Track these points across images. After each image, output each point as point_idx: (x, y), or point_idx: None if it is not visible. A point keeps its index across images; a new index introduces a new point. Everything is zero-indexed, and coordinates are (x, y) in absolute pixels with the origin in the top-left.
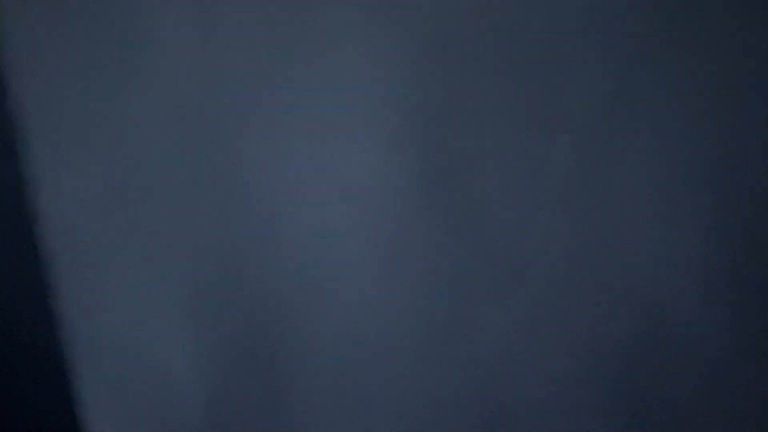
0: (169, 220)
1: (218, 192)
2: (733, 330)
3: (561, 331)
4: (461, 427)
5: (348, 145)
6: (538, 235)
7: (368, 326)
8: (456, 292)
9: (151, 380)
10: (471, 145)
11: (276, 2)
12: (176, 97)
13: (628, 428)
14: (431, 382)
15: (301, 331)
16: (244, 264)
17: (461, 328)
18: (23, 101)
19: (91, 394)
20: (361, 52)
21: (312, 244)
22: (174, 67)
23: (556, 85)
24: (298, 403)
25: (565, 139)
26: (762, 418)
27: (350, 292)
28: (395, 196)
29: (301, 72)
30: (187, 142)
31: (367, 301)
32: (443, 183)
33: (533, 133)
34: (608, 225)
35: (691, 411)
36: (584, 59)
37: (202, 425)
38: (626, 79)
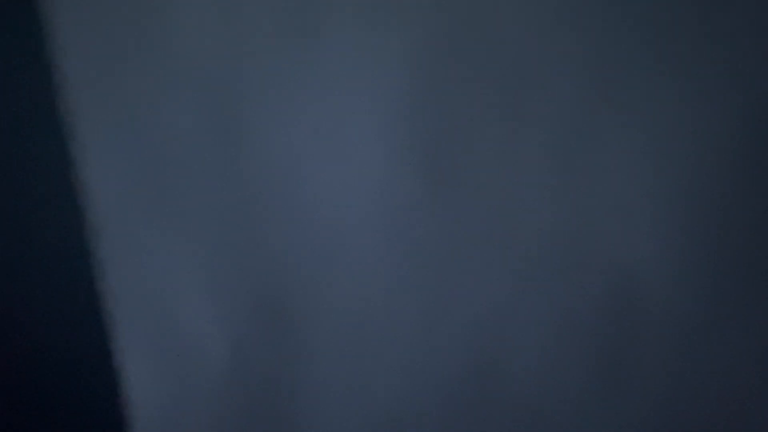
0: (198, 202)
1: (241, 179)
2: (703, 296)
3: (542, 298)
4: (455, 385)
5: (359, 134)
6: (524, 212)
7: (373, 294)
8: (448, 262)
9: (180, 338)
10: (466, 135)
11: None
12: (201, 90)
13: (603, 386)
14: (428, 340)
15: (314, 299)
16: (263, 241)
17: (456, 299)
18: (67, 99)
19: (129, 350)
20: (372, 49)
21: (325, 221)
22: (199, 61)
23: (544, 80)
24: (309, 356)
25: (550, 131)
26: (730, 380)
27: (356, 257)
28: (399, 182)
29: (316, 64)
30: (211, 133)
31: (372, 274)
32: (441, 172)
33: (521, 123)
34: (588, 204)
35: (662, 372)
36: (569, 56)
37: (226, 382)
38: (606, 77)
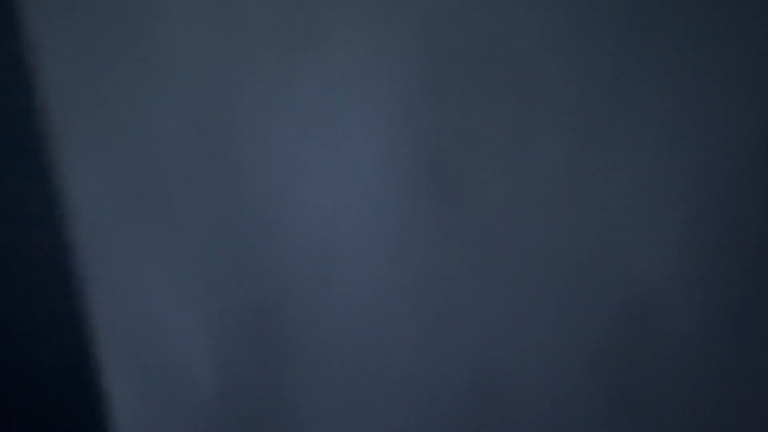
0: (184, 214)
1: (229, 188)
2: (709, 313)
3: (549, 315)
4: (455, 402)
5: (355, 138)
6: (529, 226)
7: (370, 310)
8: (452, 279)
9: (167, 360)
10: (469, 143)
11: None
12: (188, 95)
13: (609, 405)
14: (428, 359)
15: (306, 315)
16: (254, 253)
17: (457, 313)
18: (49, 103)
19: (114, 367)
20: (370, 51)
21: (319, 234)
22: (187, 65)
23: (550, 86)
24: (301, 374)
25: (557, 138)
26: (737, 394)
27: (353, 277)
28: (398, 189)
29: (310, 67)
30: (199, 140)
31: (369, 287)
32: (443, 179)
33: (526, 131)
34: (594, 216)
35: (669, 389)
36: (574, 60)
37: (213, 402)
38: (613, 80)
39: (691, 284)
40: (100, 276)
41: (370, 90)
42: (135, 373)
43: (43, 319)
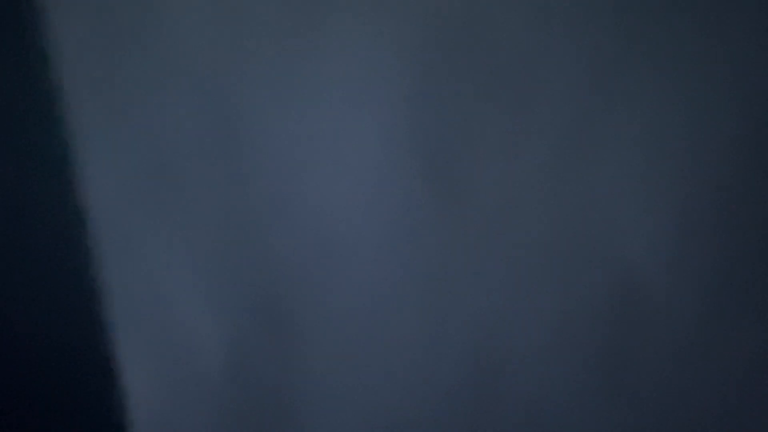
0: (196, 203)
1: (239, 177)
2: (701, 296)
3: (543, 297)
4: (456, 386)
5: (356, 134)
6: (525, 213)
7: (372, 293)
8: (451, 269)
9: (178, 339)
10: (466, 134)
11: None
12: (198, 89)
13: (602, 385)
14: (429, 345)
15: (312, 299)
16: (262, 241)
17: (457, 302)
18: (64, 97)
19: (127, 353)
20: (372, 50)
21: (324, 223)
22: (196, 58)
23: (545, 78)
24: (308, 360)
25: (551, 132)
26: (727, 378)
27: (355, 258)
28: (400, 184)
29: (311, 62)
30: (209, 132)
31: (370, 271)
32: (442, 174)
33: (521, 124)
34: (588, 202)
35: (663, 370)
36: (568, 58)
37: (222, 383)
38: (606, 75)
39: (682, 269)
40: (116, 265)
41: (372, 88)
42: (148, 357)
43: (59, 306)
